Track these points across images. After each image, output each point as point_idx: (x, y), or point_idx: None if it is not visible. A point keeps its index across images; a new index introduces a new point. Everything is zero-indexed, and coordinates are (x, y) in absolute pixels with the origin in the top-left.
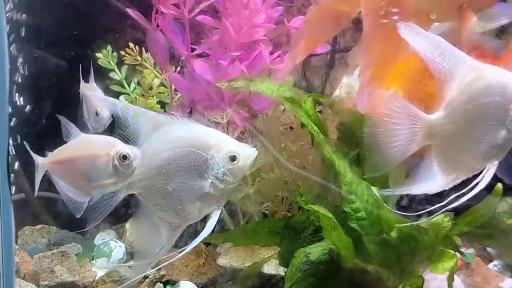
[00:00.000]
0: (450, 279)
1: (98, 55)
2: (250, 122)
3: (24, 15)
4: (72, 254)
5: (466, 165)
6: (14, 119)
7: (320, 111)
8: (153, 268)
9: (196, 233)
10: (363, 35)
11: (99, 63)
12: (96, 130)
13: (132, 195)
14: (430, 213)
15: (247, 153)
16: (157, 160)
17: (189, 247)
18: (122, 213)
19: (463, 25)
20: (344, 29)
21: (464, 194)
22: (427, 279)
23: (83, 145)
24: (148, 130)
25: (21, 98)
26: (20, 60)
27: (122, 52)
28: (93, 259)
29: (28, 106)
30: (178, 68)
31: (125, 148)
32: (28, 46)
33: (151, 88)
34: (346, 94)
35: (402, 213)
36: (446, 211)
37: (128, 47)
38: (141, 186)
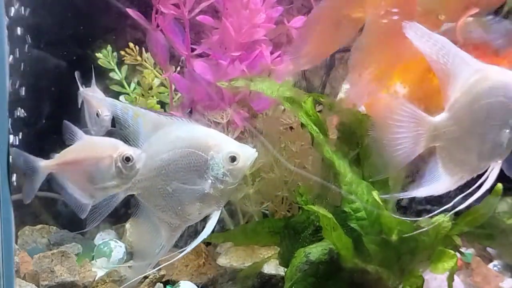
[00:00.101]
0: (450, 279)
1: (98, 55)
2: (250, 122)
3: (24, 15)
4: (72, 254)
5: (471, 165)
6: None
7: (320, 111)
8: (153, 268)
9: (196, 233)
10: (365, 35)
11: (99, 63)
12: (98, 132)
13: (132, 196)
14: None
15: (247, 153)
16: (157, 161)
17: (188, 248)
18: (122, 213)
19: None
20: None
21: (469, 194)
22: (427, 279)
23: (87, 147)
24: (147, 131)
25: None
26: (20, 60)
27: (122, 52)
28: (93, 259)
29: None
30: (178, 68)
31: (128, 150)
32: (28, 46)
33: (151, 88)
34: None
35: (412, 218)
36: (445, 210)
37: (128, 47)
38: (141, 187)
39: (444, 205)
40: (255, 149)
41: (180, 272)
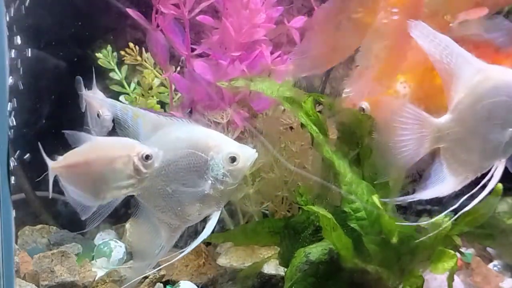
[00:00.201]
0: (450, 279)
1: (98, 55)
2: (250, 122)
3: (24, 15)
4: (72, 254)
5: (476, 165)
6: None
7: (320, 111)
8: (153, 268)
9: (196, 233)
10: (372, 37)
11: (99, 63)
12: (99, 133)
13: (132, 196)
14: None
15: (247, 154)
16: None
17: (188, 249)
18: (122, 213)
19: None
20: None
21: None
22: (427, 279)
23: (101, 147)
24: (147, 132)
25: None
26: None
27: (122, 52)
28: (93, 259)
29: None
30: (178, 68)
31: (147, 148)
32: (28, 46)
33: (151, 88)
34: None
35: (413, 219)
36: (453, 210)
37: (128, 47)
38: (140, 187)
39: (445, 205)
40: (255, 150)
41: (180, 272)
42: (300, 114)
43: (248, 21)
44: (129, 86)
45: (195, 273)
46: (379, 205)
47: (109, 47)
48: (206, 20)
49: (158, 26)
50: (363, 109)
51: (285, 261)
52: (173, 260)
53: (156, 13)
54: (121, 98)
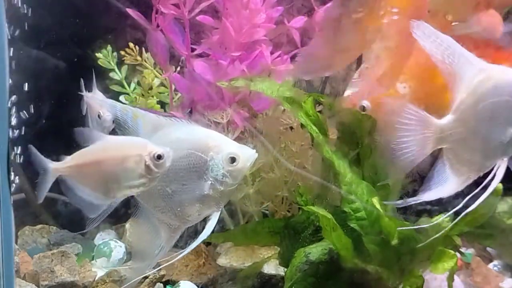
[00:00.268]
0: (450, 279)
1: (98, 55)
2: (250, 122)
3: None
4: (72, 254)
5: (478, 164)
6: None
7: (320, 111)
8: (153, 268)
9: (196, 233)
10: (379, 39)
11: (99, 63)
12: None
13: (132, 196)
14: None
15: (246, 154)
16: None
17: (188, 249)
18: (122, 213)
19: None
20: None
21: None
22: (427, 279)
23: (112, 147)
24: (147, 132)
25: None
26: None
27: (122, 52)
28: (93, 259)
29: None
30: (178, 68)
31: (158, 148)
32: (28, 46)
33: (151, 88)
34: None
35: (413, 219)
36: (456, 211)
37: (128, 47)
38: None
39: (444, 205)
40: (255, 150)
41: (180, 272)
42: (300, 114)
43: (248, 21)
44: (129, 86)
45: (195, 273)
46: (379, 208)
47: (109, 47)
48: (206, 20)
49: (158, 26)
50: (364, 108)
51: (285, 261)
52: (173, 260)
53: (156, 13)
54: (121, 98)
